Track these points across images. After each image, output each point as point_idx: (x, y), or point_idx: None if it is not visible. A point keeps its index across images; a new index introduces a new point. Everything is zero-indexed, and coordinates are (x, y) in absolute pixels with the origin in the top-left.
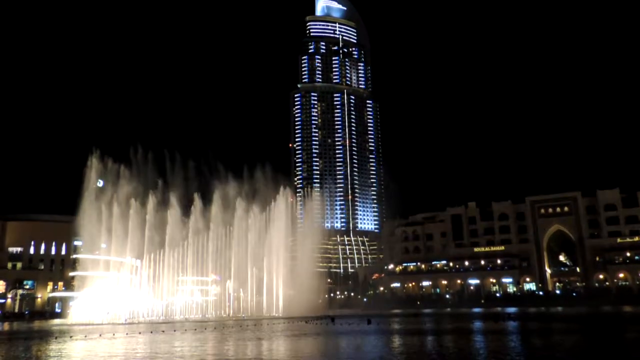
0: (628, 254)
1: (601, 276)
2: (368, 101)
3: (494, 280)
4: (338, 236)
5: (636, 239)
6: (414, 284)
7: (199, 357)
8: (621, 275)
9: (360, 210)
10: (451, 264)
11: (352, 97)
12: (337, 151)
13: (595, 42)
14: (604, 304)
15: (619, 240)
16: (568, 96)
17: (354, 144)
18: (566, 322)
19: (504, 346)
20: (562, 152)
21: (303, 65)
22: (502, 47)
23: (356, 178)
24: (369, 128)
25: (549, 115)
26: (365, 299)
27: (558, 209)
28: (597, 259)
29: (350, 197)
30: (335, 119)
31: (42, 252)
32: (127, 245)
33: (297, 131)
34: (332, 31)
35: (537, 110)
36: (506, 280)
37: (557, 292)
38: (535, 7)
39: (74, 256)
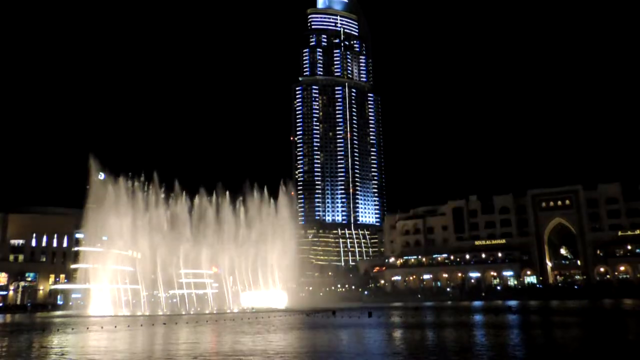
0: (629, 247)
1: (602, 269)
2: (369, 94)
3: (495, 274)
4: (339, 229)
5: (637, 232)
6: (414, 277)
7: (196, 347)
8: (622, 268)
9: (361, 204)
10: (452, 257)
11: (354, 90)
12: (338, 144)
13: (596, 35)
14: (605, 297)
15: (620, 233)
16: (570, 89)
17: (355, 137)
18: (567, 315)
19: (505, 340)
20: (563, 145)
21: (304, 58)
22: (503, 38)
23: (357, 171)
24: (370, 121)
25: (551, 109)
26: (366, 292)
27: (559, 202)
28: (598, 252)
29: (351, 190)
30: (337, 112)
31: (43, 244)
32: (128, 238)
33: (298, 124)
34: (333, 24)
35: (539, 103)
36: (507, 273)
37: (559, 285)
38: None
39: (76, 249)
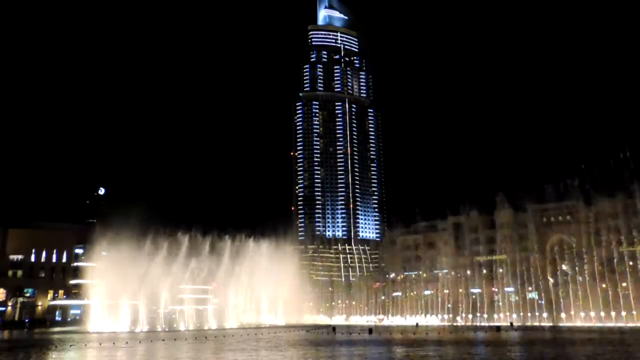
0: (631, 264)
1: (604, 286)
2: (369, 110)
3: (496, 289)
4: (339, 245)
5: (638, 248)
6: (415, 293)
7: None
8: (624, 285)
9: (362, 219)
10: (453, 273)
11: (354, 106)
12: (338, 160)
13: (594, 50)
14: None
15: (621, 249)
16: (569, 104)
17: (355, 153)
18: (569, 332)
19: (506, 357)
20: (564, 160)
21: (305, 74)
22: (503, 55)
23: (357, 186)
24: (370, 136)
25: (552, 124)
26: (366, 308)
27: (560, 218)
28: (600, 268)
29: (351, 205)
30: (337, 127)
31: (43, 260)
32: (127, 255)
33: (298, 139)
34: (333, 40)
35: (540, 119)
36: (508, 289)
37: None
38: (535, 23)
39: (75, 264)
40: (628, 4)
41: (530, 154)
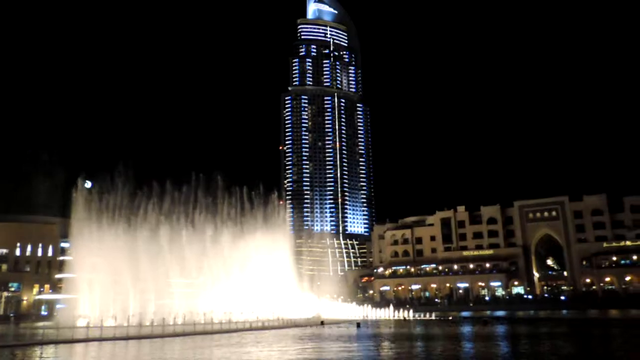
0: (614, 258)
1: (588, 280)
2: (358, 104)
3: (483, 284)
4: (327, 239)
5: (622, 243)
6: (403, 287)
7: None
8: (607, 279)
9: (350, 214)
10: (440, 268)
11: (343, 101)
12: (327, 154)
13: (585, 48)
14: (591, 307)
15: (605, 244)
16: (555, 102)
17: (344, 147)
18: (554, 326)
19: (492, 351)
20: (549, 156)
21: (294, 68)
22: (492, 52)
23: (346, 181)
24: (359, 131)
25: (537, 121)
26: (354, 303)
27: (546, 214)
28: (584, 263)
29: (340, 200)
30: (326, 122)
31: (28, 253)
32: (114, 247)
33: (287, 134)
34: (323, 34)
35: (526, 115)
36: (494, 283)
37: (545, 295)
38: (528, 23)
39: (61, 258)
40: (628, 4)
41: (518, 149)
